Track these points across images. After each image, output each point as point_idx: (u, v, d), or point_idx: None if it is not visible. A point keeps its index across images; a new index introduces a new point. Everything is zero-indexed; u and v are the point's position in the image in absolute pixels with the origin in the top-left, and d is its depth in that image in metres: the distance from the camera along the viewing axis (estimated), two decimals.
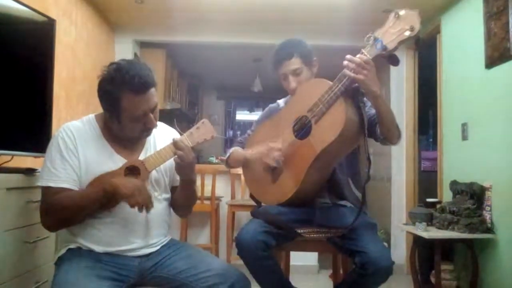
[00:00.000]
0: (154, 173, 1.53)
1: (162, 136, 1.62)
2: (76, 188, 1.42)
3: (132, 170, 1.47)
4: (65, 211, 1.39)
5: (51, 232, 1.55)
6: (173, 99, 5.16)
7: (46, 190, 1.41)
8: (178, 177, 1.59)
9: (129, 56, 4.00)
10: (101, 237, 1.43)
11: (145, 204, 1.38)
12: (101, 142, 1.49)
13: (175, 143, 1.47)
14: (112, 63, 1.44)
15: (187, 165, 1.49)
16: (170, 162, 1.54)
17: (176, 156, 1.47)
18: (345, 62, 1.49)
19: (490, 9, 2.74)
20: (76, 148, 1.44)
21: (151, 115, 1.46)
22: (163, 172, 1.58)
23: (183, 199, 1.63)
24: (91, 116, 1.55)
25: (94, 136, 1.50)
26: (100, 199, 1.38)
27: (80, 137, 1.47)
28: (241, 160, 1.85)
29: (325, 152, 1.57)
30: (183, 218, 3.49)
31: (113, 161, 1.47)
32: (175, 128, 1.70)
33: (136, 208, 1.38)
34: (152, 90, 1.44)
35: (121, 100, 1.39)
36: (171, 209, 1.67)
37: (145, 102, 1.42)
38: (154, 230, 1.52)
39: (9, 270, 1.52)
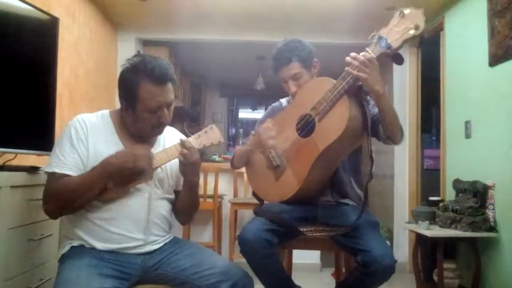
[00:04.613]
0: (159, 172, 1.54)
1: (171, 138, 1.64)
2: None
3: None
4: (65, 195, 1.40)
5: (52, 219, 1.54)
6: (176, 97, 5.15)
7: (50, 175, 1.43)
8: (182, 182, 1.60)
9: (132, 54, 4.00)
10: (102, 234, 1.44)
11: (141, 167, 1.41)
12: (113, 137, 1.51)
13: (182, 142, 1.50)
14: (136, 55, 1.52)
15: (190, 165, 1.50)
16: (176, 164, 1.55)
17: (180, 155, 1.48)
18: (348, 59, 1.49)
19: (494, 7, 2.72)
20: (87, 139, 1.46)
21: (166, 110, 1.48)
22: (168, 173, 1.59)
23: (185, 205, 1.63)
24: (106, 111, 1.58)
25: (107, 130, 1.52)
26: (98, 176, 1.39)
27: (93, 129, 1.49)
28: (244, 154, 1.86)
29: (328, 150, 1.57)
30: (184, 225, 3.47)
31: None
32: (184, 130, 1.73)
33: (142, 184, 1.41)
34: (170, 85, 1.49)
35: (139, 88, 1.43)
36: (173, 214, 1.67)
37: (162, 94, 1.45)
38: (154, 225, 1.52)
39: (14, 267, 1.53)
